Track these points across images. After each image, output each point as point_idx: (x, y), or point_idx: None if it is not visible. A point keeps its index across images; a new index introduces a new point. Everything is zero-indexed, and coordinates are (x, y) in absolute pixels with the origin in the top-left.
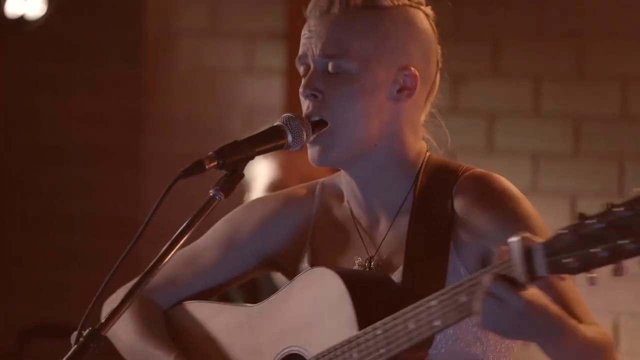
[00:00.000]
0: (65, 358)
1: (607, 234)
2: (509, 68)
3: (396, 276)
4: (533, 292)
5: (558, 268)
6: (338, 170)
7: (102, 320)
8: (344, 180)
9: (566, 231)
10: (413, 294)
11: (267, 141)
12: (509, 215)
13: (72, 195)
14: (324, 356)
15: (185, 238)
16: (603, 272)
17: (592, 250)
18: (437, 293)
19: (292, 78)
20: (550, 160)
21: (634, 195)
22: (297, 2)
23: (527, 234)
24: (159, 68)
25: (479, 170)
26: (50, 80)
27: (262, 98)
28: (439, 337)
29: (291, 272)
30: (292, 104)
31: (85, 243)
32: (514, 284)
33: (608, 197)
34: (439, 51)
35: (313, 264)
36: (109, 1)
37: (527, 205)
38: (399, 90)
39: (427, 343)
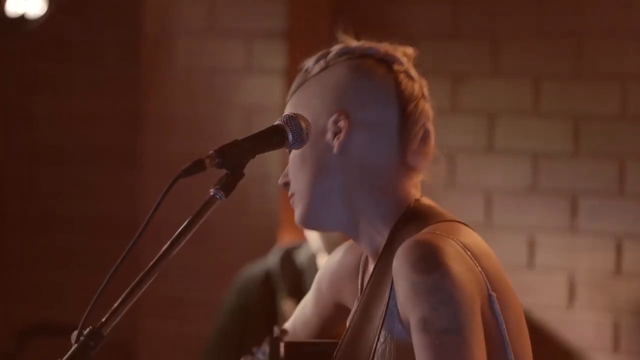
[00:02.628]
0: (65, 357)
1: None
2: (508, 68)
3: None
4: None
5: None
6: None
7: (103, 320)
8: None
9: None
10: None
11: (267, 140)
12: (418, 290)
13: (71, 195)
14: None
15: (186, 238)
16: (604, 272)
17: None
18: None
19: (291, 78)
20: (550, 160)
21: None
22: (296, 1)
23: (282, 328)
24: (158, 67)
25: (424, 234)
26: (49, 79)
27: (262, 97)
28: None
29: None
30: None
31: (84, 243)
32: None
33: (608, 196)
34: (402, 81)
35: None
36: (107, 0)
37: (447, 274)
38: (334, 137)
39: None
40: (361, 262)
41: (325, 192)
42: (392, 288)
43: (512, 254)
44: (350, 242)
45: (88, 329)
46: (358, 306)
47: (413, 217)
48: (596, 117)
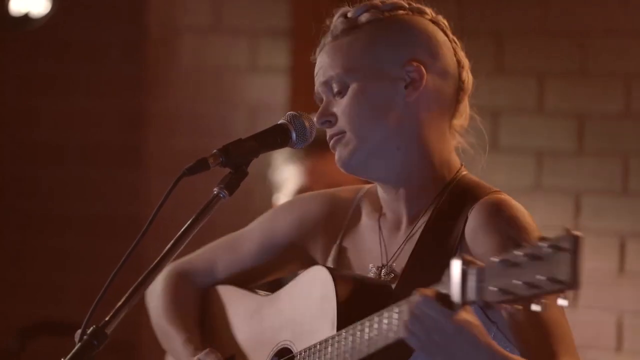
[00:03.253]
0: (69, 356)
1: (530, 268)
2: (512, 66)
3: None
4: (467, 319)
5: (484, 295)
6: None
7: (107, 319)
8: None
9: (498, 259)
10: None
11: (271, 139)
12: (511, 244)
13: (74, 194)
14: (304, 353)
15: (190, 236)
16: (607, 271)
17: (513, 281)
18: (398, 303)
19: (296, 76)
20: (554, 158)
21: (561, 232)
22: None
23: (470, 257)
24: (162, 65)
25: (500, 196)
26: (52, 78)
27: (266, 96)
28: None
29: None
30: (296, 101)
31: (87, 242)
32: (448, 304)
33: (612, 194)
34: (459, 51)
35: (337, 262)
36: None
37: (534, 235)
38: (406, 86)
39: (403, 354)
40: (370, 219)
41: (387, 139)
42: (459, 244)
43: None
44: (321, 194)
45: (91, 328)
46: (408, 259)
47: (470, 184)
48: (600, 115)
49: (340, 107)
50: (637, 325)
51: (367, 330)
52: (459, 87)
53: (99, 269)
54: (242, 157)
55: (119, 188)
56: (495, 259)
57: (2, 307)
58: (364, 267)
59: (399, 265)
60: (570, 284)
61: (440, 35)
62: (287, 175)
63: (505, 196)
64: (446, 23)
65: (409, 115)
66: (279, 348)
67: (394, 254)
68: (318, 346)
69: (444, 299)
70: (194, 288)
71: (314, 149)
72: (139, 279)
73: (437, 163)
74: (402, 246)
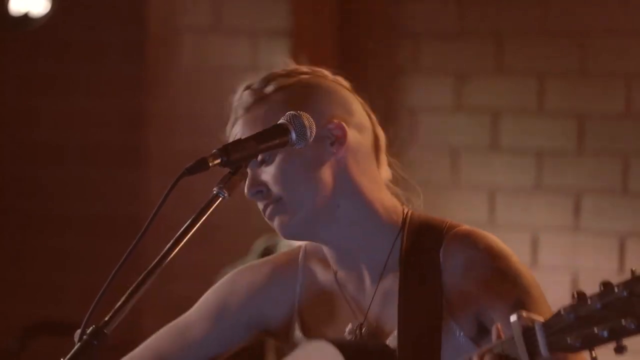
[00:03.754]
0: (68, 356)
1: (606, 315)
2: (513, 66)
3: (391, 342)
4: None
5: (560, 347)
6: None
7: (106, 318)
8: (324, 247)
9: (566, 312)
10: None
11: (270, 139)
12: (497, 275)
13: (74, 194)
14: None
15: (189, 236)
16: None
17: (592, 330)
18: None
19: None
20: (554, 158)
21: (631, 277)
22: (301, 0)
23: (525, 312)
24: (162, 66)
25: (464, 228)
26: (52, 78)
27: None
28: None
29: (283, 340)
30: None
31: (87, 242)
32: None
33: (612, 194)
34: (365, 106)
35: (305, 333)
36: None
37: (514, 261)
38: (332, 144)
39: None
40: (325, 280)
41: (325, 198)
42: (442, 288)
43: (516, 252)
44: (265, 262)
45: (91, 328)
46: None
47: (423, 222)
48: (600, 115)
49: (269, 175)
50: None
51: None
52: (375, 141)
53: (99, 269)
54: (241, 157)
55: (119, 188)
56: (563, 311)
57: (2, 307)
58: (338, 330)
59: (376, 320)
60: None
61: (347, 93)
62: None
63: (466, 227)
64: (348, 84)
65: (341, 170)
66: None
67: (367, 310)
68: None
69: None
70: None
71: None
72: (139, 279)
73: (382, 210)
74: (373, 300)
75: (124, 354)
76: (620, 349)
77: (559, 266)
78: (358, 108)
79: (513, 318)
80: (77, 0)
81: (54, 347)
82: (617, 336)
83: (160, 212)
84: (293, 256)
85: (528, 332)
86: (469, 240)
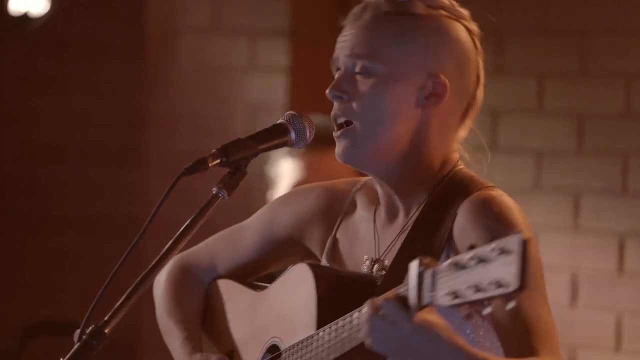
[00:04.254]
0: (68, 356)
1: (478, 272)
2: (512, 66)
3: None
4: (427, 318)
5: (437, 298)
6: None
7: (105, 318)
8: (376, 181)
9: (450, 262)
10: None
11: (270, 139)
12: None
13: (73, 194)
14: (288, 351)
15: (189, 236)
16: (607, 270)
17: (463, 285)
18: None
19: (295, 76)
20: (553, 158)
21: (510, 235)
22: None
23: (429, 258)
24: (162, 65)
25: (490, 192)
26: (52, 78)
27: (265, 96)
28: None
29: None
30: (295, 101)
31: (86, 242)
32: (405, 305)
33: (611, 194)
34: (481, 67)
35: (331, 256)
36: None
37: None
38: (427, 97)
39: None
40: (365, 211)
41: (394, 142)
42: (447, 240)
43: None
44: (319, 186)
45: (90, 328)
46: (395, 248)
47: (465, 178)
48: (600, 115)
49: (358, 91)
50: (636, 325)
51: (340, 330)
52: (471, 103)
53: (100, 268)
54: (241, 157)
55: (119, 188)
56: (448, 262)
57: (2, 307)
58: (358, 260)
59: (389, 258)
60: (515, 288)
61: (471, 50)
62: (285, 170)
63: (496, 192)
64: (478, 32)
65: (421, 125)
66: (269, 344)
67: (387, 248)
68: (300, 345)
69: (404, 301)
70: (196, 283)
71: (312, 145)
72: (138, 279)
73: (437, 163)
74: (394, 240)
75: (123, 354)
76: (485, 309)
77: (558, 266)
78: (472, 70)
79: (414, 260)
80: (77, 0)
81: (53, 347)
82: (477, 294)
83: (160, 212)
84: (349, 185)
85: (421, 276)
86: (485, 203)
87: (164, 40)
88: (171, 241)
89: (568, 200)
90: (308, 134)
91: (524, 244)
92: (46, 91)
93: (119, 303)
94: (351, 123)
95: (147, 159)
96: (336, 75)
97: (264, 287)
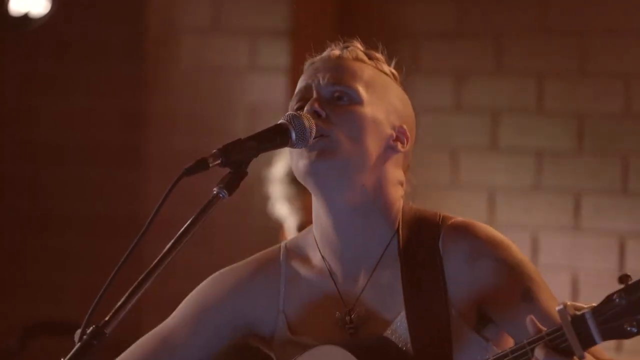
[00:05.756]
0: (68, 356)
1: (630, 310)
2: (512, 66)
3: (390, 333)
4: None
5: (615, 334)
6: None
7: (106, 318)
8: (318, 229)
9: (617, 297)
10: (423, 353)
11: (270, 139)
12: (503, 265)
13: (73, 194)
14: None
15: (189, 236)
16: (607, 270)
17: (624, 324)
18: None
19: (295, 76)
20: (553, 158)
21: None
22: (300, 0)
23: (569, 302)
24: (162, 66)
25: (459, 219)
26: (52, 78)
27: (266, 96)
28: None
29: (268, 340)
30: None
31: (86, 242)
32: (569, 355)
33: (612, 194)
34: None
35: (292, 330)
36: None
37: (515, 249)
38: (394, 140)
39: None
40: (312, 270)
41: (362, 170)
42: (444, 280)
43: None
44: (242, 266)
45: (91, 328)
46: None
47: (417, 214)
48: (600, 115)
49: (336, 112)
50: None
51: None
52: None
53: (100, 268)
54: (241, 157)
55: (119, 188)
56: (614, 297)
57: (2, 307)
58: (325, 319)
59: (367, 308)
60: None
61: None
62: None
63: (460, 218)
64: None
65: (385, 160)
66: None
67: (357, 297)
68: None
69: (563, 351)
70: None
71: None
72: (139, 279)
73: (392, 207)
74: (364, 289)
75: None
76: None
77: (559, 266)
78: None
79: (559, 308)
80: (77, 1)
81: (54, 347)
82: (634, 329)
83: (160, 212)
84: (274, 255)
85: (577, 321)
86: (470, 231)
87: (164, 41)
88: (172, 241)
89: (568, 201)
90: (308, 134)
91: None
92: (46, 91)
93: (120, 303)
94: (328, 136)
95: (146, 159)
96: (299, 107)
97: None
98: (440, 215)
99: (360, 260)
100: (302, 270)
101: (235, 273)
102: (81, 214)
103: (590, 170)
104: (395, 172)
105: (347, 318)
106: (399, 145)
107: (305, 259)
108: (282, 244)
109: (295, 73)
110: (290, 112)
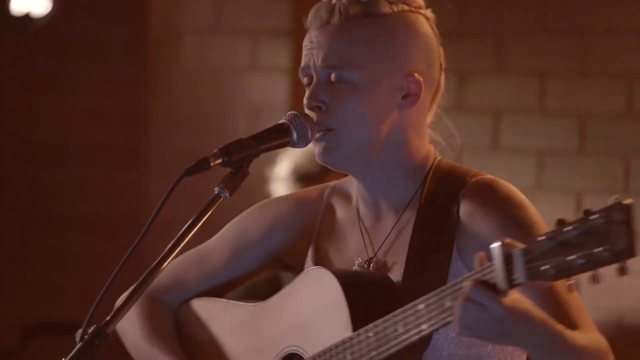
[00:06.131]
0: (70, 356)
1: (584, 242)
2: (513, 66)
3: (396, 276)
4: (515, 298)
5: (536, 275)
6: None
7: (107, 318)
8: (353, 181)
9: (544, 238)
10: (412, 296)
11: (272, 139)
12: (512, 222)
13: (75, 194)
14: (320, 357)
15: (190, 235)
16: (609, 269)
17: (569, 257)
18: (425, 297)
19: (296, 76)
20: (555, 158)
21: (610, 203)
22: None
23: (509, 240)
24: (163, 65)
25: (487, 176)
26: (52, 78)
27: (267, 96)
28: (439, 339)
29: (298, 271)
30: (297, 101)
31: (87, 242)
32: (495, 290)
33: (613, 194)
34: (442, 53)
35: (316, 262)
36: None
37: (532, 212)
38: (404, 97)
39: (421, 345)
40: (346, 213)
41: (374, 143)
42: (457, 230)
43: None
44: (289, 197)
45: (92, 328)
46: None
47: (450, 168)
48: (601, 115)
49: (335, 100)
50: (637, 323)
51: (398, 327)
52: (436, 90)
53: (101, 268)
54: (242, 157)
55: (120, 187)
56: (542, 238)
57: (2, 307)
58: (347, 262)
59: (390, 256)
60: (629, 253)
61: (434, 40)
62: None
63: (489, 176)
64: (434, 17)
65: (399, 124)
66: (284, 354)
67: (380, 246)
68: (335, 348)
69: (491, 285)
70: (166, 309)
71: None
72: (140, 279)
73: (417, 158)
74: (388, 237)
75: (124, 353)
76: (595, 279)
77: None
78: (437, 59)
79: (495, 244)
80: (77, 1)
81: (54, 347)
82: (592, 264)
83: (161, 212)
84: (320, 191)
85: (508, 258)
86: (490, 187)
87: (165, 40)
88: (173, 241)
89: (570, 200)
90: (310, 134)
91: (629, 209)
92: (46, 91)
93: (120, 303)
94: (331, 130)
95: (147, 159)
96: (306, 83)
97: (262, 300)
98: (472, 172)
99: (388, 210)
100: (339, 210)
101: (278, 206)
102: (81, 213)
103: (592, 170)
104: (413, 127)
105: (366, 265)
106: (410, 100)
107: (345, 201)
108: (332, 183)
109: (296, 73)
110: (291, 111)
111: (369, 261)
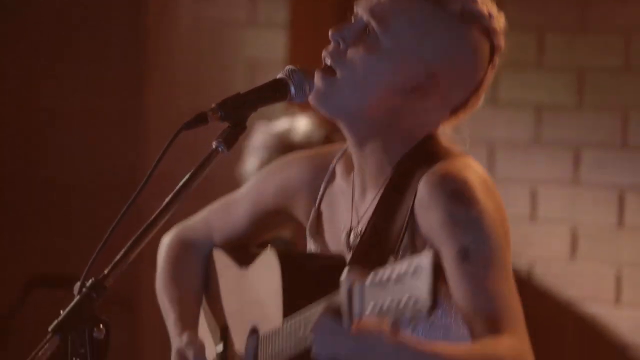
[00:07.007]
0: (67, 308)
1: (398, 286)
2: (511, 20)
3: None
4: (365, 325)
5: (365, 313)
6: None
7: (105, 272)
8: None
9: (374, 277)
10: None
11: (269, 93)
12: (450, 219)
13: (75, 153)
14: (264, 340)
15: (188, 191)
16: (607, 224)
17: (388, 299)
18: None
19: (295, 31)
20: (553, 112)
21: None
22: None
23: (358, 269)
24: (162, 21)
25: (450, 166)
26: (50, 41)
27: (265, 51)
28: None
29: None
30: (295, 57)
31: (86, 200)
32: (341, 319)
33: (611, 148)
34: (487, 79)
35: (313, 228)
36: None
37: (477, 210)
38: (412, 89)
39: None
40: (343, 180)
41: (364, 108)
42: (409, 219)
43: (515, 206)
44: (305, 156)
45: (90, 281)
46: (361, 217)
47: (437, 150)
48: (600, 69)
49: (357, 46)
50: (636, 278)
51: (297, 326)
52: (461, 107)
53: (100, 224)
54: (240, 111)
55: (120, 144)
56: (371, 275)
57: (1, 263)
58: (337, 230)
59: (368, 228)
60: (428, 305)
61: (483, 67)
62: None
63: (459, 163)
64: (502, 47)
65: (404, 112)
66: (252, 326)
67: (362, 217)
68: (270, 336)
69: (338, 314)
70: (196, 256)
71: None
72: (138, 233)
73: (406, 136)
74: (367, 211)
75: (123, 307)
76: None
77: (558, 219)
78: (474, 82)
79: (343, 274)
80: None
81: (53, 299)
82: (398, 311)
83: (159, 167)
84: (331, 156)
85: (350, 291)
86: (441, 180)
87: (163, 1)
88: (170, 196)
89: (568, 154)
90: (307, 88)
91: (434, 261)
92: (44, 55)
93: (119, 257)
94: (335, 73)
95: (147, 115)
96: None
97: (247, 263)
98: (450, 156)
99: (372, 182)
100: (340, 176)
101: (294, 164)
102: (82, 171)
103: (590, 124)
104: (417, 114)
105: (346, 238)
106: (417, 96)
107: (347, 169)
108: (346, 146)
109: (295, 28)
110: (289, 66)
111: (349, 233)
